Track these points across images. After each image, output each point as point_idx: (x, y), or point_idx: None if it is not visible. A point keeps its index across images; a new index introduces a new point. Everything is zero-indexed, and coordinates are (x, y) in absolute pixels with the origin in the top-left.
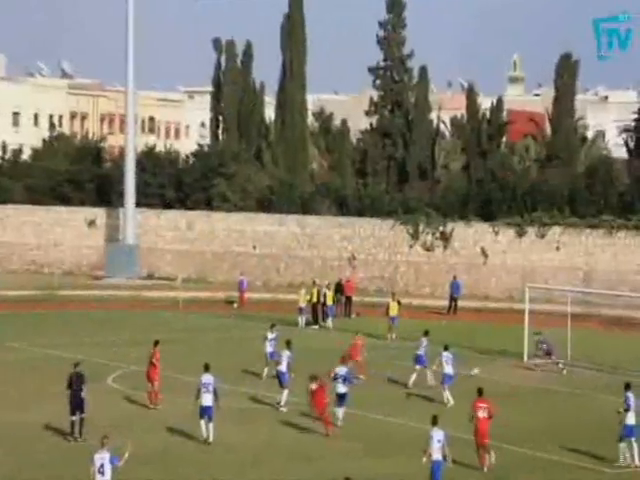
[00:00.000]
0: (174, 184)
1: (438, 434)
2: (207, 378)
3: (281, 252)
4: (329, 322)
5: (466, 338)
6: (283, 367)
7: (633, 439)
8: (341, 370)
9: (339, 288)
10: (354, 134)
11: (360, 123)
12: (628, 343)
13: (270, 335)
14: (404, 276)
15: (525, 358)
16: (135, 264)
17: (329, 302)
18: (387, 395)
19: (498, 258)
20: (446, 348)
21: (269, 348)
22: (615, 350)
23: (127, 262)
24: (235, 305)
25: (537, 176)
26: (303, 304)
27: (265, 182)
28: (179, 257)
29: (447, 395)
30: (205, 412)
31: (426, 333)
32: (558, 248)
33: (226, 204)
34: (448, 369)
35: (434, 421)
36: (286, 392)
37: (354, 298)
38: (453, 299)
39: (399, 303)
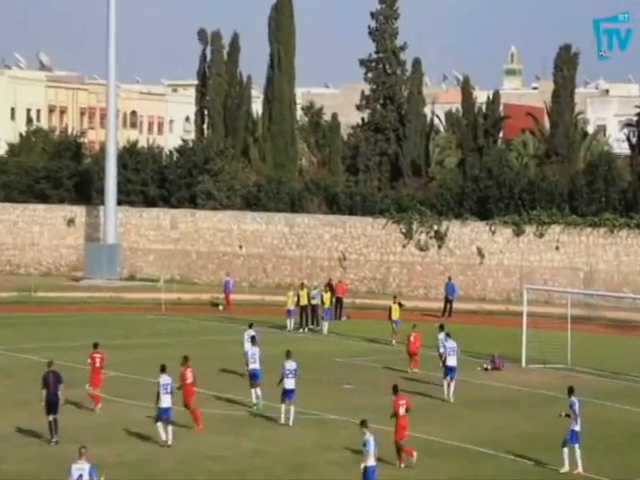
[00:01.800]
0: (157, 181)
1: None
2: (165, 379)
3: (269, 252)
4: (324, 326)
5: (462, 342)
6: (257, 365)
7: (577, 445)
8: (291, 365)
9: (329, 289)
10: (345, 129)
11: (351, 118)
12: (631, 347)
13: (247, 335)
14: (397, 277)
15: (523, 362)
16: (116, 265)
17: (326, 305)
18: (382, 402)
19: (495, 258)
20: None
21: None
22: (617, 354)
23: (108, 262)
24: (220, 307)
25: (535, 173)
26: (291, 306)
27: (252, 179)
28: (162, 257)
29: (450, 391)
30: (164, 414)
31: (441, 327)
32: (557, 248)
33: (211, 202)
34: (451, 361)
35: (363, 423)
36: (258, 390)
37: (344, 300)
38: (448, 301)
39: (400, 305)
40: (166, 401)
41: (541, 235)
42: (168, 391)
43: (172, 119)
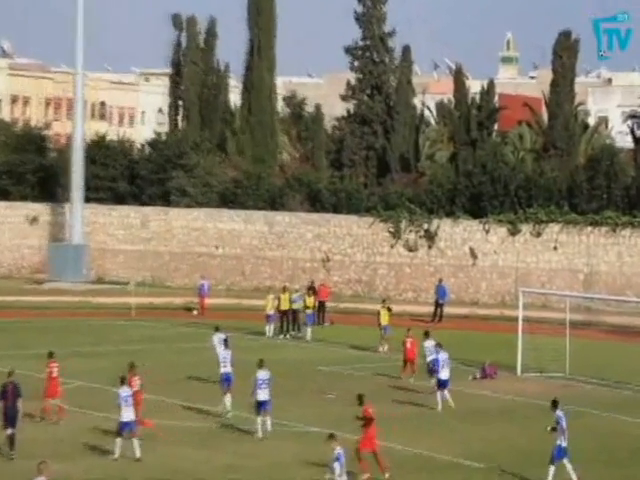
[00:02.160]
0: (127, 177)
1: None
2: (125, 391)
3: (247, 253)
4: (307, 332)
5: (453, 349)
6: (229, 369)
7: (565, 460)
8: (264, 375)
9: (312, 293)
10: (329, 121)
11: (336, 109)
12: (634, 354)
13: (217, 338)
14: (384, 279)
15: (518, 371)
16: (82, 266)
17: (309, 309)
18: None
19: (489, 259)
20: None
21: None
22: (619, 362)
23: (73, 264)
24: (195, 312)
25: (532, 168)
26: (271, 311)
27: (229, 174)
28: (132, 258)
29: (448, 398)
30: (126, 427)
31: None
32: (556, 248)
33: (186, 199)
34: (444, 374)
35: (332, 437)
36: (229, 397)
37: (328, 304)
38: (438, 305)
39: (389, 310)
40: (127, 414)
41: (538, 234)
42: (129, 403)
43: (144, 110)
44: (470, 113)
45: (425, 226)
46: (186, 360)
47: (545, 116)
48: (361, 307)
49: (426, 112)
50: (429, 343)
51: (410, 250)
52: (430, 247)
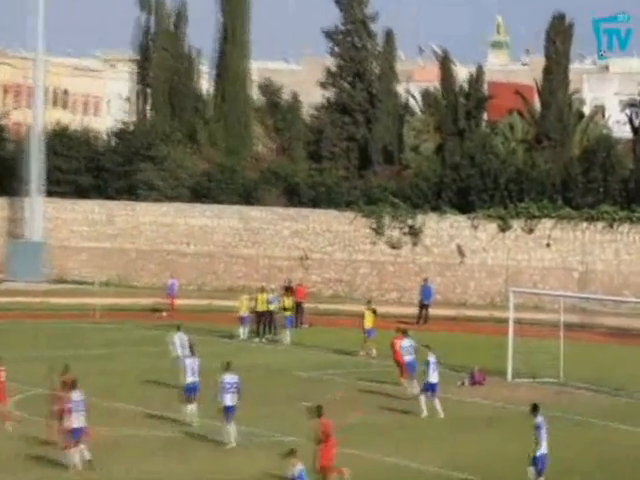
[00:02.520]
0: (91, 169)
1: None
2: (77, 396)
3: (219, 250)
4: (286, 335)
5: (439, 352)
6: (196, 378)
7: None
8: (231, 378)
9: (288, 294)
10: (307, 110)
11: (314, 97)
12: (633, 358)
13: (178, 339)
14: (366, 279)
15: (509, 376)
16: (42, 265)
17: (288, 311)
18: (348, 422)
19: (477, 257)
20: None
21: (179, 352)
22: (618, 367)
23: (33, 263)
24: (164, 314)
25: (524, 160)
26: (245, 313)
27: (201, 167)
28: (97, 256)
29: (437, 405)
30: (76, 435)
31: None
32: (549, 245)
33: (154, 193)
34: (434, 377)
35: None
36: (194, 406)
37: (306, 305)
38: (423, 306)
39: (374, 312)
40: (79, 420)
41: (530, 231)
42: (80, 408)
43: (109, 98)
44: (457, 102)
45: (409, 222)
46: (153, 365)
47: (538, 105)
48: (341, 308)
49: (411, 101)
50: (407, 343)
51: (393, 247)
52: (415, 244)
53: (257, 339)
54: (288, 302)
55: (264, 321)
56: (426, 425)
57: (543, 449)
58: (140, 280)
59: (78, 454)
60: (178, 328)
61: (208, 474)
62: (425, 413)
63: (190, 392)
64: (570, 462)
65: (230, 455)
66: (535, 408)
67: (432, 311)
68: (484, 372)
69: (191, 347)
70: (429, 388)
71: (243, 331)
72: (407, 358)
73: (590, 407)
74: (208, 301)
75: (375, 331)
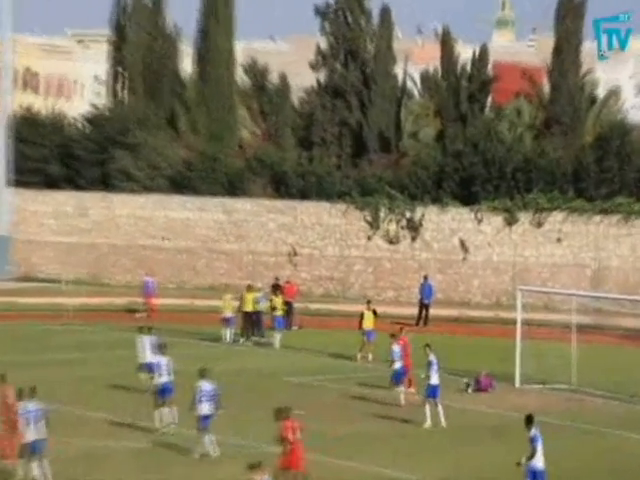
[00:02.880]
0: (61, 157)
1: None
2: (33, 406)
3: (201, 245)
4: (277, 338)
5: (441, 356)
6: (165, 378)
7: None
8: (207, 386)
9: (277, 292)
10: (296, 93)
11: (304, 79)
12: None
13: (151, 342)
14: (360, 276)
15: (517, 382)
16: (7, 262)
17: (278, 311)
18: (341, 431)
19: (482, 253)
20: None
21: (149, 357)
22: (634, 372)
23: None
24: (139, 314)
25: (532, 147)
26: (229, 313)
27: (181, 155)
28: (67, 252)
29: (440, 414)
30: (34, 448)
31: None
32: (559, 240)
33: (130, 183)
34: (435, 378)
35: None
36: (174, 409)
37: (295, 304)
38: (423, 306)
39: (375, 313)
40: (35, 432)
41: (539, 224)
42: (35, 419)
43: (80, 80)
44: (460, 84)
45: (408, 215)
46: (125, 370)
47: (547, 88)
48: (334, 308)
49: (409, 83)
50: (397, 347)
51: (390, 243)
52: (414, 239)
53: (242, 340)
54: (279, 302)
55: (251, 322)
56: (426, 435)
57: (540, 464)
58: (114, 278)
59: (38, 469)
60: (149, 330)
61: None
62: (429, 423)
63: (163, 394)
64: (580, 472)
65: (212, 467)
66: (529, 419)
67: (433, 311)
68: (491, 377)
69: (160, 346)
70: (431, 393)
71: (227, 333)
72: (397, 365)
73: (603, 415)
74: (188, 301)
75: (375, 334)
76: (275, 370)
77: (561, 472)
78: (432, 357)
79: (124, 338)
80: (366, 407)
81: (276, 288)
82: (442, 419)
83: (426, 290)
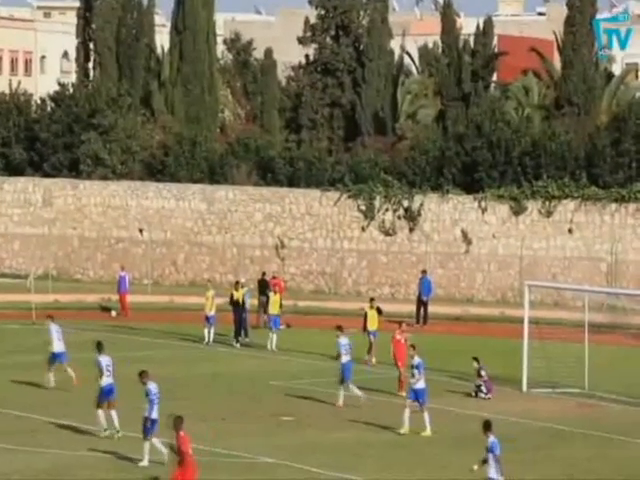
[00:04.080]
0: (24, 140)
1: None
2: None
3: (180, 238)
4: (273, 339)
5: (439, 358)
6: (110, 379)
7: None
8: (155, 387)
9: (262, 288)
10: (283, 70)
11: (291, 55)
12: None
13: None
14: (354, 271)
15: (524, 386)
16: None
17: (273, 309)
18: (333, 439)
19: (486, 245)
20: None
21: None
22: None
23: None
24: (113, 313)
25: (542, 129)
26: (211, 311)
27: (156, 138)
28: (31, 245)
29: (426, 421)
30: None
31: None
32: (571, 231)
33: (100, 169)
34: (421, 382)
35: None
36: (114, 412)
37: (283, 302)
38: (422, 303)
39: (379, 312)
40: None
41: (549, 214)
42: None
43: (44, 55)
44: (462, 60)
45: (405, 203)
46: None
47: (557, 63)
48: (325, 306)
49: (406, 59)
50: (344, 340)
51: (386, 234)
52: (412, 230)
53: (236, 342)
54: (275, 299)
55: (241, 321)
56: (424, 444)
57: (494, 475)
58: (84, 273)
59: None
60: (50, 318)
61: None
62: (406, 428)
63: (105, 396)
64: None
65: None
66: (487, 426)
67: (432, 309)
68: (490, 381)
69: (99, 345)
70: (416, 397)
71: (208, 332)
72: (344, 359)
73: (620, 422)
74: (167, 297)
75: (378, 334)
76: (260, 373)
77: None
78: (417, 359)
79: (94, 338)
80: (360, 412)
81: (263, 284)
82: (428, 426)
83: (425, 286)
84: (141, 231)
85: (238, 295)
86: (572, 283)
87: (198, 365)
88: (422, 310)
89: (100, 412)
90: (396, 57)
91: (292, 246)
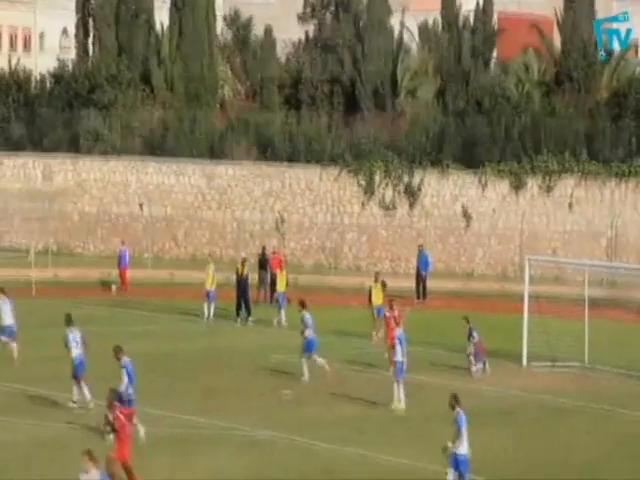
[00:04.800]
0: (24, 117)
1: None
2: None
3: (180, 213)
4: (282, 316)
5: (438, 334)
6: (79, 351)
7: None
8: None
9: (262, 264)
10: (283, 48)
11: (291, 33)
12: None
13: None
14: (354, 246)
15: (524, 361)
16: None
17: (281, 287)
18: (333, 414)
19: (486, 221)
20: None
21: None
22: None
23: None
24: (114, 288)
25: (542, 105)
26: (212, 287)
27: (156, 114)
28: (32, 220)
29: (400, 393)
30: None
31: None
32: (571, 206)
33: (100, 145)
34: (398, 355)
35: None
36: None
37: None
38: (421, 278)
39: (384, 285)
40: None
41: (549, 189)
42: None
43: (43, 32)
44: (462, 37)
45: (405, 179)
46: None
47: (558, 40)
48: (325, 281)
49: (406, 36)
50: (308, 315)
51: (387, 209)
52: (412, 206)
53: (239, 321)
54: (282, 276)
55: (243, 297)
56: (424, 419)
57: (464, 449)
58: (85, 248)
59: None
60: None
61: (174, 473)
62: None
63: (79, 368)
64: (598, 460)
65: (194, 453)
66: (454, 399)
67: (432, 284)
68: (481, 343)
69: (68, 317)
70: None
71: (208, 308)
72: (307, 333)
73: (620, 396)
74: (167, 272)
75: (384, 309)
76: (260, 348)
77: (577, 460)
78: (398, 331)
79: (95, 314)
80: (360, 388)
81: (264, 259)
82: (403, 400)
83: (422, 261)
84: (141, 206)
85: (243, 271)
86: (572, 258)
87: (198, 340)
88: (421, 285)
89: (82, 384)
90: (396, 34)
91: (292, 221)
